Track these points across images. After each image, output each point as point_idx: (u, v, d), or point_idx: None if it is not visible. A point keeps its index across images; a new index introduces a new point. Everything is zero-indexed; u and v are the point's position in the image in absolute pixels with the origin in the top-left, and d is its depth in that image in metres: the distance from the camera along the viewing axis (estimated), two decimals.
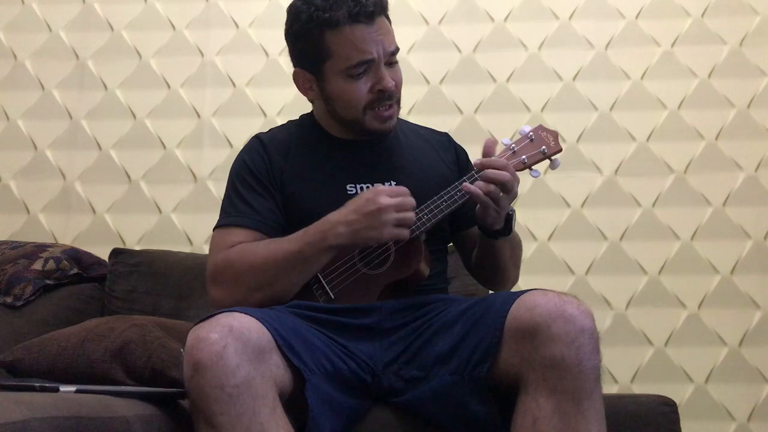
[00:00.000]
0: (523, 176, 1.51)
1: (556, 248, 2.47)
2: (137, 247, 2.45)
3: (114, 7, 2.70)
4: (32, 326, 2.00)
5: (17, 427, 0.94)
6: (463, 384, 1.28)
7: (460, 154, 1.70)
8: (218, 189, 2.53)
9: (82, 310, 2.10)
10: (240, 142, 2.50)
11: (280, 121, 2.28)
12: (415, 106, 2.55)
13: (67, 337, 1.66)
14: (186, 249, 2.48)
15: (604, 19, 2.57)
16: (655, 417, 1.46)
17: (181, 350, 1.21)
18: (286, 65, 1.95)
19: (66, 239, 2.53)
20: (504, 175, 1.41)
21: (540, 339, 1.19)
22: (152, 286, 2.14)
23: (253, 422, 1.14)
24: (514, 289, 1.57)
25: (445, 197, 1.47)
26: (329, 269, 1.46)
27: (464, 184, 1.44)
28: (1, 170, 2.62)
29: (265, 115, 2.60)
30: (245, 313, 1.23)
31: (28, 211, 2.59)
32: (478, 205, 1.44)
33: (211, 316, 1.23)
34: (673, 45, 2.55)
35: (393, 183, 1.54)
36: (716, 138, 2.48)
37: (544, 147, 1.52)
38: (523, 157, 1.51)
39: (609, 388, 1.90)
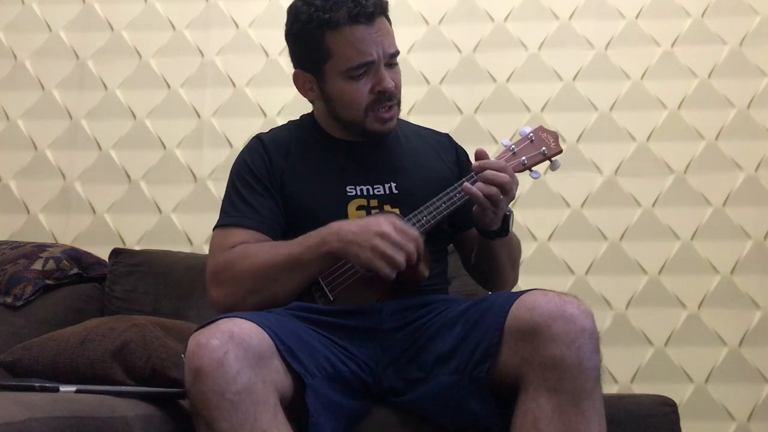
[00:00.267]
0: (523, 177, 1.51)
1: (556, 248, 2.47)
2: (137, 247, 2.45)
3: (114, 7, 2.70)
4: (32, 326, 2.00)
5: (17, 427, 0.94)
6: (463, 384, 1.28)
7: (460, 154, 1.70)
8: (218, 189, 2.53)
9: (82, 310, 2.10)
10: (240, 142, 2.50)
11: (280, 121, 2.28)
12: (415, 107, 2.55)
13: (67, 337, 1.66)
14: (186, 249, 2.48)
15: (604, 19, 2.57)
16: (655, 417, 1.46)
17: (182, 356, 1.21)
18: (286, 65, 1.95)
19: (66, 239, 2.53)
20: (503, 176, 1.41)
21: (540, 339, 1.19)
22: (152, 286, 2.13)
23: (254, 428, 1.14)
24: (514, 290, 1.57)
25: (444, 198, 1.47)
26: (328, 271, 1.46)
27: (464, 185, 1.44)
28: (1, 170, 2.62)
29: (265, 115, 2.60)
30: (246, 319, 1.23)
31: (28, 211, 2.59)
32: (476, 206, 1.44)
33: (212, 321, 1.23)
34: (673, 45, 2.55)
35: (393, 184, 1.54)
36: (716, 138, 2.48)
37: (544, 148, 1.52)
38: (523, 158, 1.50)
39: (609, 388, 1.90)
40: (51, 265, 2.14)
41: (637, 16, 2.57)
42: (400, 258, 1.35)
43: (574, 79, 2.55)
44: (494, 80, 2.57)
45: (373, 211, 1.50)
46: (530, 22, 2.59)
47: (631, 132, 2.51)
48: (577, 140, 2.51)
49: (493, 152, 1.50)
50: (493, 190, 1.40)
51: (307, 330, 1.34)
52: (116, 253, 2.21)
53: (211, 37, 2.66)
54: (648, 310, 2.41)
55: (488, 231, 1.49)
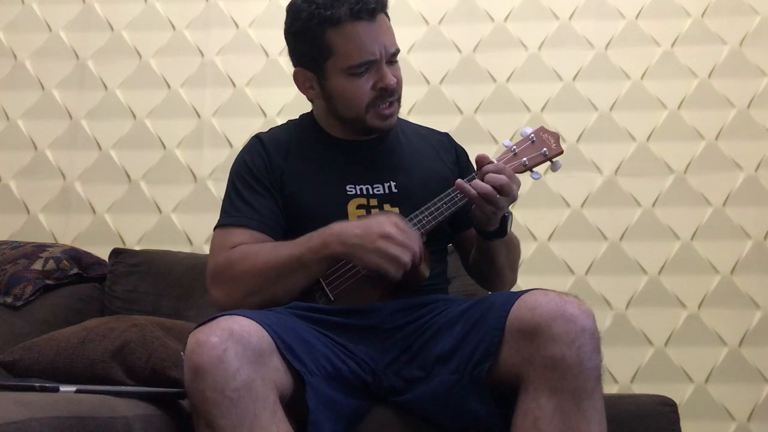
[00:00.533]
0: (524, 178, 1.51)
1: (556, 248, 2.47)
2: (137, 247, 2.45)
3: (114, 7, 2.70)
4: (32, 326, 2.00)
5: (17, 427, 0.94)
6: (463, 384, 1.28)
7: (460, 154, 1.70)
8: (218, 189, 2.52)
9: (82, 310, 2.10)
10: (240, 142, 2.50)
11: (280, 121, 2.27)
12: (415, 106, 2.55)
13: (67, 337, 1.66)
14: (186, 249, 2.48)
15: (604, 19, 2.57)
16: (655, 417, 1.46)
17: (181, 353, 1.20)
18: (286, 65, 1.95)
19: (66, 239, 2.53)
20: (502, 178, 1.41)
21: (541, 339, 1.19)
22: (152, 286, 2.13)
23: (254, 426, 1.14)
24: (514, 290, 1.57)
25: (445, 199, 1.47)
26: (329, 271, 1.45)
27: (460, 183, 1.44)
28: (1, 170, 2.62)
29: (265, 115, 2.60)
30: (245, 316, 1.23)
31: (28, 211, 2.59)
32: (474, 206, 1.44)
33: (212, 319, 1.23)
34: (673, 45, 2.55)
35: (393, 183, 1.54)
36: (716, 138, 2.48)
37: (545, 149, 1.52)
38: (524, 159, 1.50)
39: (609, 388, 1.90)
40: (51, 265, 2.14)
41: (637, 16, 2.57)
42: (406, 258, 1.35)
43: (574, 79, 2.55)
44: (494, 80, 2.57)
45: (372, 210, 1.50)
46: (530, 22, 2.59)
47: (631, 132, 2.51)
48: (577, 140, 2.51)
49: (493, 153, 1.50)
50: (489, 189, 1.40)
51: (307, 328, 1.34)
52: (116, 253, 2.21)
53: (211, 37, 2.66)
54: (648, 310, 2.41)
55: (486, 231, 1.49)
